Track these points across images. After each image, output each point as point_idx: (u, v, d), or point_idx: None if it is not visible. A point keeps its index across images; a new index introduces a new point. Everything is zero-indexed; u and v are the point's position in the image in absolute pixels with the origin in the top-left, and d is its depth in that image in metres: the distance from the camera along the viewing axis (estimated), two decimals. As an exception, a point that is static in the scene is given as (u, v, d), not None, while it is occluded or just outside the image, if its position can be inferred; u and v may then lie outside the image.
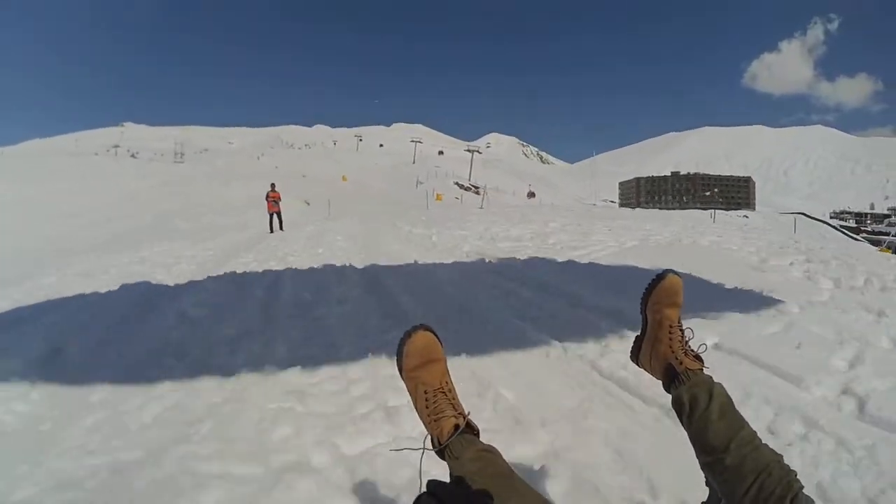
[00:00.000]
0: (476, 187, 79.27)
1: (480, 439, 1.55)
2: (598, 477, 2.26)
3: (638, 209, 34.76)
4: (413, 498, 1.28)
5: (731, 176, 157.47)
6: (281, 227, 17.59)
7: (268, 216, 17.91)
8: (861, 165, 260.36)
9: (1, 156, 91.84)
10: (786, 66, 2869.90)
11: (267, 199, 18.41)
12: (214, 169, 68.90)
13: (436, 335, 1.62)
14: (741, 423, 1.48)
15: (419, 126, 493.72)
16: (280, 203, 18.33)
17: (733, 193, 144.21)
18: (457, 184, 76.75)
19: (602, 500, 2.13)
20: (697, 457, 1.51)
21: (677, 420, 1.59)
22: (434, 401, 1.57)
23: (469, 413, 1.59)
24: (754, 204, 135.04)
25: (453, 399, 1.59)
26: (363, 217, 20.31)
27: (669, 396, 1.64)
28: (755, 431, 1.47)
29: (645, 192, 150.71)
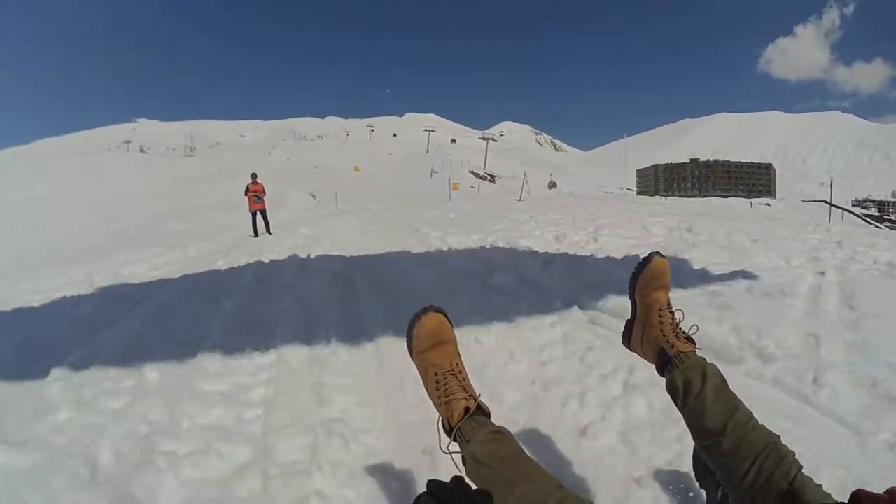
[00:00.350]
0: (491, 176, 77.94)
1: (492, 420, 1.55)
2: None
3: (657, 197, 33.11)
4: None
5: (752, 163, 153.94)
6: (268, 229, 14.42)
7: (250, 216, 14.55)
8: (880, 153, 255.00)
9: (14, 156, 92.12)
10: (801, 51, 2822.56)
11: (247, 193, 14.79)
12: (223, 164, 67.39)
13: (446, 316, 1.62)
14: (736, 404, 1.47)
15: (432, 115, 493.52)
16: (265, 198, 14.87)
17: (754, 181, 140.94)
18: (472, 172, 75.68)
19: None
20: (694, 440, 1.52)
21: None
22: (445, 383, 1.56)
23: (480, 395, 1.58)
24: (775, 192, 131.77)
25: (464, 381, 1.59)
26: (375, 214, 17.90)
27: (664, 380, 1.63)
28: (751, 412, 1.46)
29: (663, 180, 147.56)
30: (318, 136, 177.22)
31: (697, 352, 1.64)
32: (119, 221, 21.72)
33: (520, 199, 19.89)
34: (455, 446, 1.53)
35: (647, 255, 1.77)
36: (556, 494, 1.29)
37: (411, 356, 1.63)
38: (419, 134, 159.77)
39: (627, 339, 1.84)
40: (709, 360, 1.60)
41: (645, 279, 1.75)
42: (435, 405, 1.59)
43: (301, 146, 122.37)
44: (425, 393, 1.61)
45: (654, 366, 1.72)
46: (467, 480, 1.15)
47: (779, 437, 1.40)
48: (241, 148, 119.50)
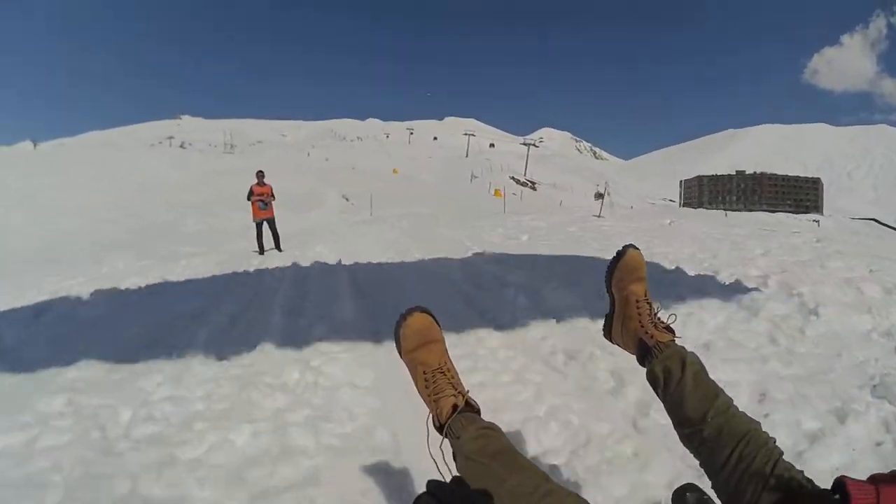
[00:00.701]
0: (532, 183, 76.23)
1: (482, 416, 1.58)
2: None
3: (700, 209, 31.03)
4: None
5: (799, 177, 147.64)
6: (276, 244, 11.26)
7: (254, 226, 11.18)
8: None
9: (59, 147, 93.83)
10: (847, 62, 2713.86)
11: (250, 198, 11.18)
12: (261, 161, 66.65)
13: (433, 316, 1.65)
14: (716, 391, 1.48)
15: (471, 120, 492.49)
16: (273, 203, 11.41)
17: (801, 196, 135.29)
18: (513, 178, 74.36)
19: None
20: (675, 429, 1.52)
21: None
22: (434, 381, 1.58)
23: (469, 391, 1.62)
24: (822, 207, 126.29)
25: (452, 378, 1.61)
26: (414, 224, 15.65)
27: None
28: (730, 398, 1.47)
29: (708, 192, 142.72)
30: (358, 138, 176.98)
31: (677, 341, 1.65)
32: (135, 217, 19.90)
33: (599, 216, 16.41)
34: (446, 445, 1.54)
35: (621, 248, 1.78)
36: (544, 487, 1.31)
37: (400, 356, 1.66)
38: (458, 138, 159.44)
39: (608, 332, 1.86)
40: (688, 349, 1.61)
41: (621, 272, 1.76)
42: (425, 402, 1.61)
43: (340, 147, 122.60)
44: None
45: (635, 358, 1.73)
46: (493, 487, 1.21)
47: (759, 423, 1.40)
48: (281, 147, 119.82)
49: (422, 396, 1.61)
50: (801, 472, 1.27)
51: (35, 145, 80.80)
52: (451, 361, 1.65)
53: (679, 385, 1.50)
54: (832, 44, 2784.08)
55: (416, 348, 1.61)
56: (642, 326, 1.68)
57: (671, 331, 1.67)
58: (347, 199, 29.25)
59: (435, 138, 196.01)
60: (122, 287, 6.83)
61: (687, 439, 1.47)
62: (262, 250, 10.84)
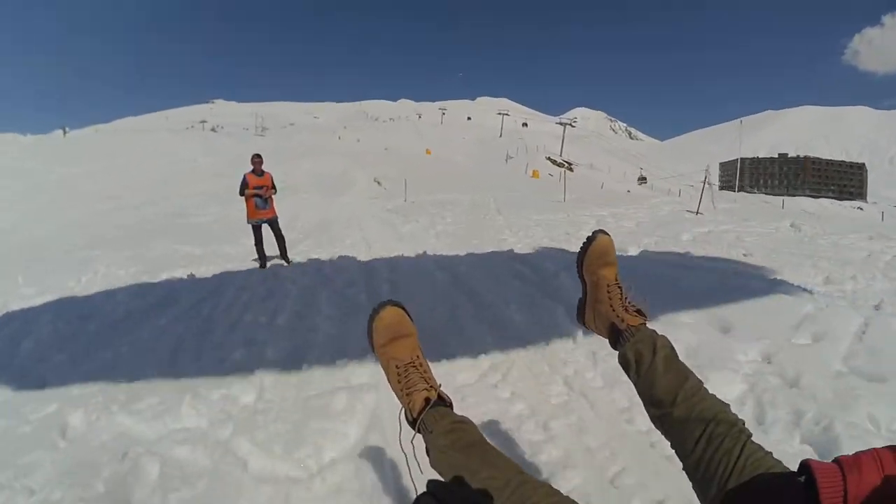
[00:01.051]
0: (569, 163, 73.87)
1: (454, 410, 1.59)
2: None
3: (742, 193, 28.80)
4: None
5: (844, 161, 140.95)
6: (283, 255, 8.43)
7: (250, 229, 8.23)
8: None
9: (96, 132, 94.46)
10: (889, 43, 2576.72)
11: (244, 191, 8.09)
12: (290, 144, 65.50)
13: (405, 310, 1.66)
14: (686, 374, 1.49)
15: (504, 100, 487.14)
16: (274, 199, 8.43)
17: (845, 181, 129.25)
18: (549, 159, 72.58)
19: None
20: (647, 411, 1.53)
21: None
22: (406, 375, 1.59)
23: (441, 385, 1.62)
24: (866, 194, 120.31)
25: (424, 373, 1.62)
26: (459, 218, 13.41)
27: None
28: (701, 381, 1.48)
29: (748, 175, 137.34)
30: (390, 119, 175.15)
31: (648, 324, 1.68)
32: (153, 205, 18.33)
33: (698, 213, 13.56)
34: (419, 439, 1.56)
35: (591, 233, 1.81)
36: (516, 479, 1.33)
37: (373, 350, 1.68)
38: (491, 118, 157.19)
39: (582, 317, 1.87)
40: (659, 332, 1.63)
41: (591, 257, 1.78)
42: (398, 397, 1.61)
43: (373, 128, 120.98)
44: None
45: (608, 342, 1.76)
46: (466, 480, 1.24)
47: (728, 405, 1.41)
48: (313, 129, 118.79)
49: (394, 391, 1.62)
50: (770, 453, 1.28)
51: (65, 133, 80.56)
52: (423, 356, 1.67)
53: (650, 368, 1.51)
54: (873, 24, 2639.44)
55: (387, 343, 1.63)
56: (613, 310, 1.70)
57: (642, 314, 1.70)
58: (380, 184, 27.23)
59: (469, 118, 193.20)
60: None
61: (658, 421, 1.48)
62: (263, 262, 8.10)
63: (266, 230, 8.20)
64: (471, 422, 1.53)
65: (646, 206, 16.11)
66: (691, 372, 1.50)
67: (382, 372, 1.65)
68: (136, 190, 22.92)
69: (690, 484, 1.35)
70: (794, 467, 1.18)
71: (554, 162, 72.65)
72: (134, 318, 5.26)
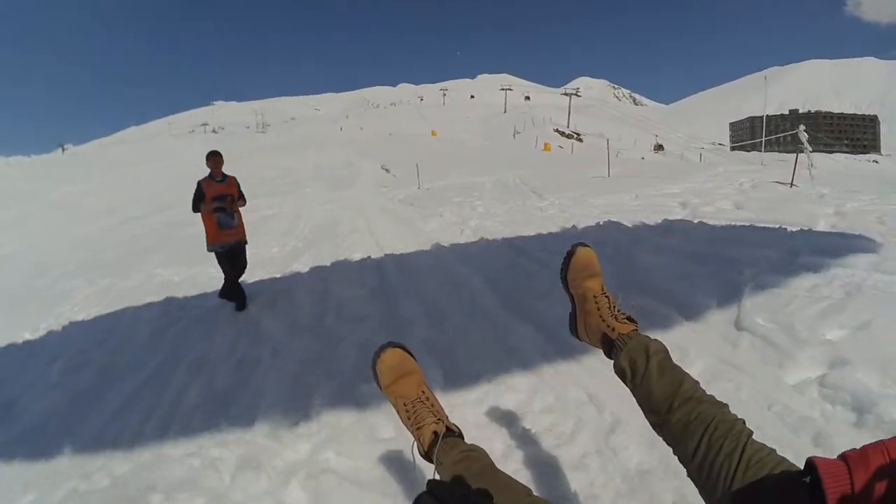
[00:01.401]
0: (577, 134, 72.38)
1: (465, 439, 1.63)
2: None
3: (764, 153, 26.89)
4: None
5: (855, 115, 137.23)
6: (237, 298, 5.92)
7: (214, 258, 6.02)
8: None
9: (100, 146, 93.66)
10: None
11: (199, 206, 5.85)
12: (292, 138, 64.23)
13: (406, 349, 1.71)
14: (681, 377, 1.48)
15: (504, 76, 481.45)
16: (241, 215, 6.20)
17: (858, 135, 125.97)
18: (557, 131, 71.61)
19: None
20: (647, 418, 1.51)
21: None
22: (414, 411, 1.62)
23: (448, 417, 1.66)
24: (880, 147, 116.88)
25: (432, 406, 1.65)
26: (493, 208, 10.84)
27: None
28: (696, 382, 1.47)
29: (761, 135, 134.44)
30: (392, 104, 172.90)
31: (640, 330, 1.68)
32: (154, 215, 16.97)
33: (793, 185, 10.83)
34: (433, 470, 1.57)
35: (570, 247, 1.83)
36: (525, 501, 1.37)
37: (381, 391, 1.71)
38: (493, 95, 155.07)
39: (574, 330, 1.87)
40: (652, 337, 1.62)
41: (574, 271, 1.79)
42: (410, 432, 1.65)
43: (375, 114, 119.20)
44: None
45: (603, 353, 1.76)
46: (467, 480, 1.24)
47: (726, 405, 1.40)
48: (315, 121, 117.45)
49: (406, 426, 1.65)
50: (773, 450, 1.26)
51: (63, 149, 79.49)
52: (429, 390, 1.71)
53: (645, 375, 1.50)
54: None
55: (393, 382, 1.66)
56: (603, 320, 1.70)
57: (633, 320, 1.69)
58: (388, 171, 25.54)
59: (472, 96, 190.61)
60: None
61: (658, 428, 1.47)
62: (241, 301, 5.84)
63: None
64: (480, 449, 1.58)
65: (710, 177, 13.42)
66: (687, 374, 1.49)
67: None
68: (140, 201, 21.52)
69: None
70: (800, 464, 1.15)
71: (562, 133, 71.52)
72: (32, 432, 3.65)
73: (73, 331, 5.83)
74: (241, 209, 6.13)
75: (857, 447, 1.05)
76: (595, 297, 1.73)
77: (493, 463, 1.52)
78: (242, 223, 6.13)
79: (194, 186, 5.85)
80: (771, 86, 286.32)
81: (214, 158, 5.98)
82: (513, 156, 30.46)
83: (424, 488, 1.35)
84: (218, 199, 5.81)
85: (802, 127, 12.73)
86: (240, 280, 6.06)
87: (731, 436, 1.27)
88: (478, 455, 1.52)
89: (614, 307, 1.70)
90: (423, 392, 1.66)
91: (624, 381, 1.58)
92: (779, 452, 1.24)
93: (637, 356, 1.53)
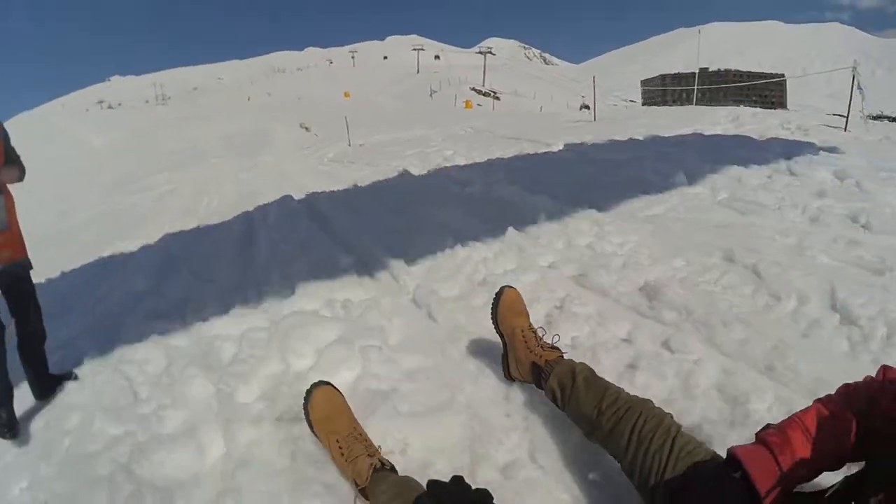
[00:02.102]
0: (494, 93, 72.34)
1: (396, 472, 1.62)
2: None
3: (668, 107, 27.96)
4: None
5: (764, 73, 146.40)
6: (40, 384, 2.72)
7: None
8: (882, 67, 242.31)
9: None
10: None
11: None
12: (195, 109, 60.38)
13: (334, 387, 1.78)
14: (605, 386, 1.56)
15: (414, 37, 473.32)
16: (17, 227, 2.77)
17: (766, 91, 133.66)
18: (473, 89, 71.87)
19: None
20: (582, 431, 1.57)
21: None
22: (347, 445, 1.65)
23: (380, 448, 1.68)
24: (786, 103, 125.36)
25: (365, 441, 1.68)
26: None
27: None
28: (620, 388, 1.54)
29: (671, 90, 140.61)
30: (298, 69, 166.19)
31: (565, 356, 1.80)
32: (54, 209, 14.35)
33: (846, 130, 10.14)
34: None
35: (497, 290, 2.01)
36: None
37: (311, 430, 1.77)
38: (404, 56, 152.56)
39: (507, 372, 1.99)
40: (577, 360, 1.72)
41: (502, 312, 1.95)
42: (342, 469, 1.66)
43: (283, 80, 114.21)
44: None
45: (534, 385, 1.83)
46: (465, 481, 1.25)
47: (651, 401, 1.45)
48: (218, 91, 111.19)
49: (338, 464, 1.68)
50: (702, 444, 1.29)
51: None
52: (360, 426, 1.74)
53: (573, 391, 1.58)
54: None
55: (324, 419, 1.71)
56: (531, 351, 1.81)
57: (557, 349, 1.83)
58: (308, 129, 23.93)
59: (385, 57, 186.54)
60: None
61: (592, 437, 1.52)
62: (9, 425, 2.44)
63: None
64: (412, 479, 1.55)
65: (724, 124, 11.90)
66: (611, 384, 1.57)
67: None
68: (34, 194, 18.64)
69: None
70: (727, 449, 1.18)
71: (480, 92, 71.49)
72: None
73: None
74: (10, 189, 2.84)
75: (773, 424, 1.10)
76: (523, 331, 1.89)
77: (425, 491, 1.45)
78: (17, 223, 2.82)
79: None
80: (677, 46, 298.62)
81: None
82: (435, 114, 29.50)
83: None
84: None
85: (855, 67, 11.78)
86: (42, 346, 2.87)
87: (660, 430, 1.32)
88: (407, 483, 1.52)
89: (540, 339, 1.86)
90: (354, 427, 1.72)
91: (555, 402, 1.68)
92: None
93: (564, 377, 1.64)
